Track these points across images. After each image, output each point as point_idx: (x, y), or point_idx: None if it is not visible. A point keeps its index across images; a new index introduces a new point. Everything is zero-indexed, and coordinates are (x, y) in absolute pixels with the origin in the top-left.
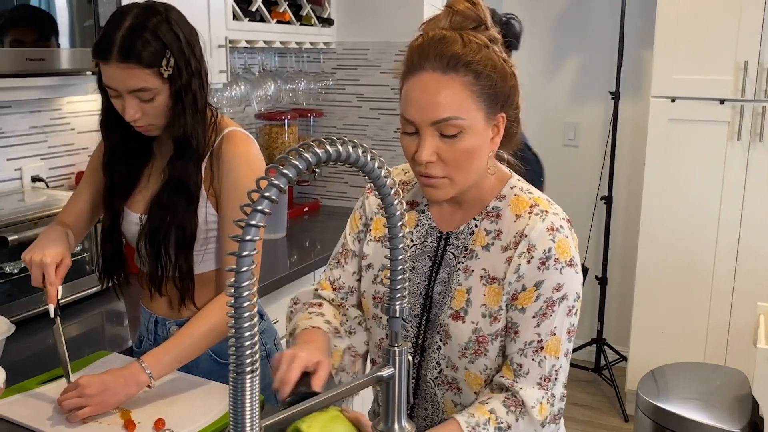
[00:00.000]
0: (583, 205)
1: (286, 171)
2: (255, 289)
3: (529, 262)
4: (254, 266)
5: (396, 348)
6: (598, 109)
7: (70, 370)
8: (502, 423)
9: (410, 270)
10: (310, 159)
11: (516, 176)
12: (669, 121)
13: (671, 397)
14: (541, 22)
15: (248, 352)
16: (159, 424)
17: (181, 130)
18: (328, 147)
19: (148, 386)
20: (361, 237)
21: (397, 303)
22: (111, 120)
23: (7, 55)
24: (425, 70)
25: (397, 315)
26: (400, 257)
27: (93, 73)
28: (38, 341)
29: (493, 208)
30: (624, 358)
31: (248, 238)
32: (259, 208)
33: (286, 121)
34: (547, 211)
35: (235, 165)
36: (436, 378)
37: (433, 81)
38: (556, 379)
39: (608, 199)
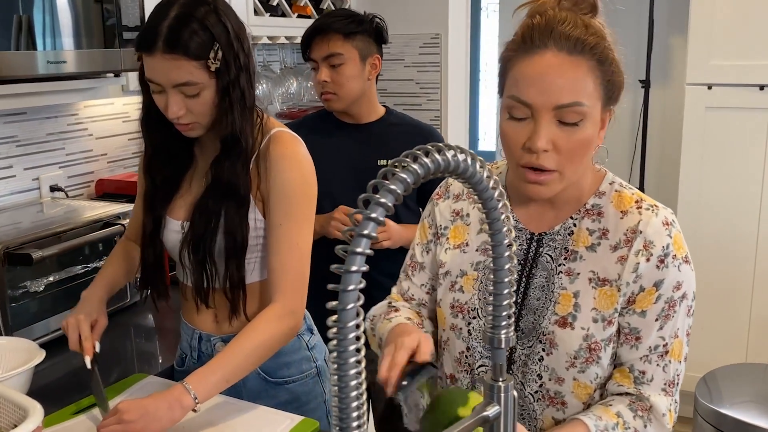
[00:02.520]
0: None
1: (393, 187)
2: (363, 318)
3: (648, 260)
4: (360, 302)
5: (501, 383)
6: (626, 97)
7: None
8: (629, 428)
9: None
10: (419, 171)
11: (610, 173)
12: (706, 109)
13: (728, 401)
14: None
15: (354, 414)
16: None
17: (229, 128)
18: (437, 156)
19: (194, 410)
20: (430, 247)
21: (503, 332)
22: (152, 119)
23: (24, 59)
24: (549, 49)
25: (503, 346)
26: (506, 279)
27: (116, 75)
28: (66, 363)
29: (593, 206)
30: None
31: (354, 268)
32: (365, 232)
33: None
34: (656, 206)
35: (283, 167)
36: (537, 392)
37: (559, 62)
38: (678, 383)
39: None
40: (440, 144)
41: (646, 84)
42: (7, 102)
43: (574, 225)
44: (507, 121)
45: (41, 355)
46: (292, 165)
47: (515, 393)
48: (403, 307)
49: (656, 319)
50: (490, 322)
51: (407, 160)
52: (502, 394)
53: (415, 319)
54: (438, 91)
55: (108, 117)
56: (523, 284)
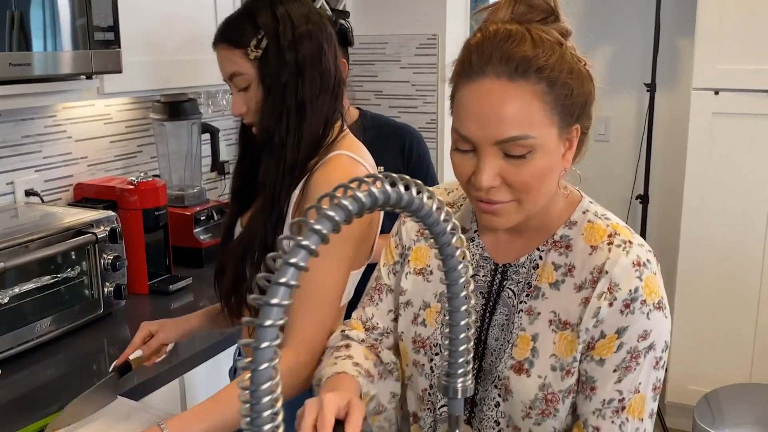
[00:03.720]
0: (616, 205)
1: (319, 227)
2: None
3: (611, 304)
4: (277, 341)
5: None
6: (631, 101)
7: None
8: None
9: None
10: (350, 208)
11: (588, 198)
12: (712, 114)
13: (729, 423)
14: (568, 8)
15: None
16: None
17: (263, 123)
18: (373, 189)
19: None
20: (397, 269)
21: (459, 381)
22: (244, 126)
23: None
24: (487, 75)
25: (459, 396)
26: (462, 322)
27: (87, 77)
28: (27, 380)
29: (561, 237)
30: None
31: (274, 301)
32: (293, 261)
33: None
34: (630, 242)
35: (318, 194)
36: None
37: (498, 90)
38: None
39: (644, 199)
40: (380, 175)
41: (651, 88)
42: None
43: (540, 258)
44: (453, 152)
45: None
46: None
47: None
48: (356, 343)
49: (614, 370)
50: (446, 369)
51: (337, 195)
52: None
53: (364, 365)
54: (434, 94)
55: (88, 119)
56: (486, 320)
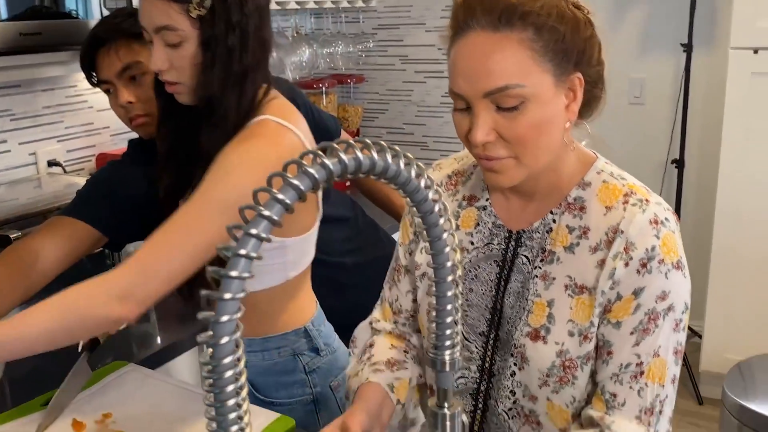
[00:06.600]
0: (651, 169)
1: (281, 196)
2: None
3: (626, 264)
4: (239, 313)
5: (446, 410)
6: (667, 62)
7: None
8: None
9: (473, 279)
10: (316, 175)
11: (603, 159)
12: (751, 75)
13: (762, 394)
14: None
15: None
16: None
17: (205, 89)
18: (342, 156)
19: None
20: (412, 248)
21: (446, 353)
22: (160, 83)
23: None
24: (472, 29)
25: (447, 369)
26: (449, 293)
27: None
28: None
29: (575, 199)
30: (698, 335)
31: (228, 296)
32: (243, 252)
33: (324, 89)
34: (647, 200)
35: (230, 148)
36: (510, 410)
37: (483, 42)
38: (660, 412)
39: (680, 163)
40: (363, 139)
41: (688, 48)
42: None
43: (554, 221)
44: (453, 113)
45: None
46: (240, 149)
47: (465, 419)
48: (381, 336)
49: (632, 333)
50: (434, 342)
51: (303, 162)
52: (448, 423)
53: (388, 356)
54: None
55: None
56: (501, 289)
